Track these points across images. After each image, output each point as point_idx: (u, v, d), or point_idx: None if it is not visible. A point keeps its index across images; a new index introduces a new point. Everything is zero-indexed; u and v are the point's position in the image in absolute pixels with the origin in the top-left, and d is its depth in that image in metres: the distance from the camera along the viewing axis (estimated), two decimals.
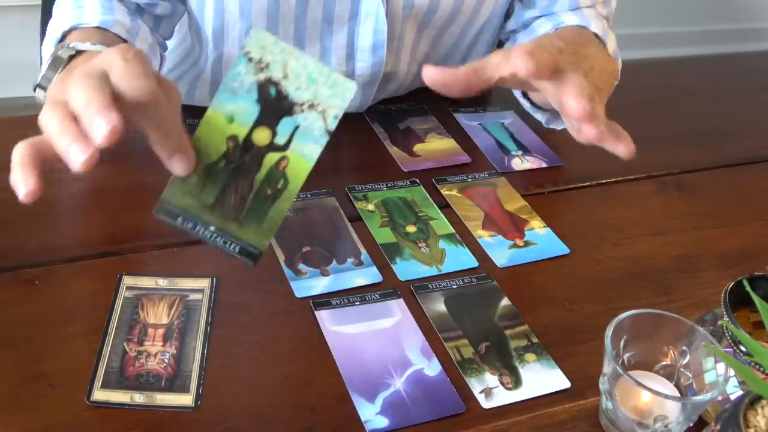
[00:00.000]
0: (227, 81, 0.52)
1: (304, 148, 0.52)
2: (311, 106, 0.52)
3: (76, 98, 0.47)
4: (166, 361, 0.61)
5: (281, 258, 0.72)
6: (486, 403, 0.61)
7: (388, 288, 0.70)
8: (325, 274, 0.71)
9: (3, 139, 0.83)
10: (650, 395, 0.54)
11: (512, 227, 0.80)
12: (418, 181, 0.85)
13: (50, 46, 0.75)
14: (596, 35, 0.85)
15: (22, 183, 0.47)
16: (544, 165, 0.90)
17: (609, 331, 0.57)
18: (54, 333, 0.63)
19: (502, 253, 0.76)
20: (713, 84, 1.16)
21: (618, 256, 0.78)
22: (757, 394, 0.48)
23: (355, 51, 0.88)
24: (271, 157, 0.53)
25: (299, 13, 0.84)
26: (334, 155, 0.88)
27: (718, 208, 0.87)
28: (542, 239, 0.79)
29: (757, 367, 0.55)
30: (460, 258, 0.75)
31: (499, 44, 1.02)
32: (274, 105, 0.52)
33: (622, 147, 0.62)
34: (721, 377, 0.55)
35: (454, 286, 0.71)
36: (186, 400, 0.59)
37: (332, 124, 0.52)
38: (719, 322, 0.61)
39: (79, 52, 0.64)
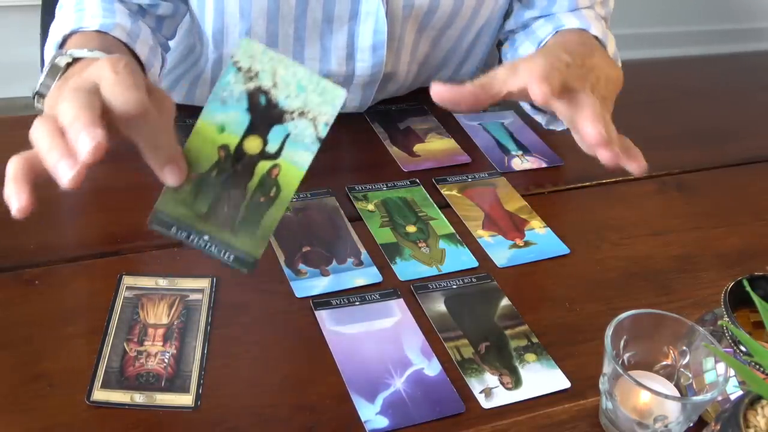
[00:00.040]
0: (217, 91, 0.52)
1: (296, 155, 0.53)
2: (301, 114, 0.52)
3: (63, 114, 0.48)
4: (166, 361, 0.61)
5: (281, 258, 0.72)
6: (486, 403, 0.61)
7: (388, 288, 0.70)
8: (325, 274, 0.71)
9: (3, 139, 0.83)
10: (650, 395, 0.54)
11: (512, 227, 0.80)
12: (418, 181, 0.85)
13: (51, 50, 0.75)
14: (597, 38, 0.85)
15: (15, 198, 0.47)
16: (544, 165, 0.90)
17: (609, 331, 0.57)
18: (54, 333, 0.63)
19: (502, 253, 0.76)
20: (713, 84, 1.16)
21: (618, 256, 0.78)
22: (757, 394, 0.48)
23: (355, 51, 0.88)
24: (263, 166, 0.53)
25: (299, 13, 0.84)
26: (334, 155, 0.88)
27: (718, 208, 0.87)
28: (542, 239, 0.79)
29: (757, 367, 0.55)
30: (460, 258, 0.75)
31: (498, 44, 1.02)
32: (265, 113, 0.52)
33: (634, 165, 0.63)
34: (721, 377, 0.55)
35: (454, 286, 0.71)
36: (186, 400, 0.59)
37: (323, 132, 0.52)
38: (719, 322, 0.61)
39: (76, 60, 0.65)
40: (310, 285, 0.70)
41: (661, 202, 0.87)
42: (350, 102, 0.95)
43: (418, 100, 1.00)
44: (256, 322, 0.66)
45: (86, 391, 0.58)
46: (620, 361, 0.59)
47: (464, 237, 0.78)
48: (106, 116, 0.49)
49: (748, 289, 0.54)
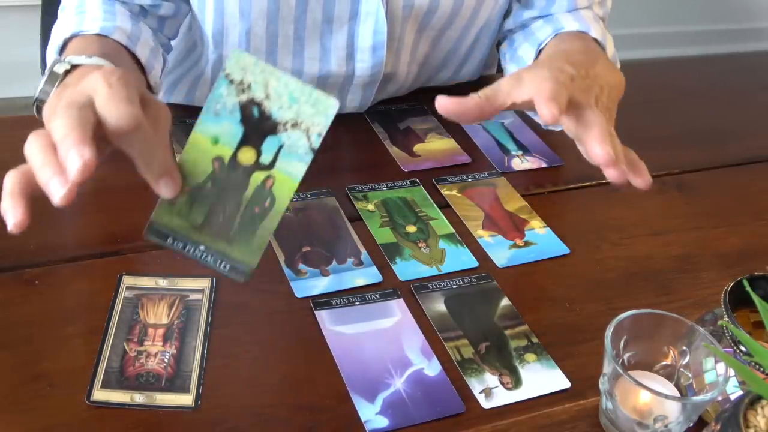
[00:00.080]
0: (210, 103, 0.52)
1: (290, 166, 0.53)
2: (294, 125, 0.53)
3: (55, 131, 0.48)
4: (166, 361, 0.61)
5: (281, 258, 0.72)
6: (486, 403, 0.61)
7: (388, 288, 0.70)
8: (325, 274, 0.71)
9: (3, 139, 0.83)
10: (650, 395, 0.54)
11: (512, 227, 0.80)
12: (418, 181, 0.85)
13: (53, 54, 0.76)
14: (596, 40, 0.85)
15: (11, 214, 0.48)
16: (544, 165, 0.90)
17: (609, 331, 0.57)
18: (54, 333, 0.63)
19: (502, 253, 0.76)
20: (712, 84, 1.16)
21: (618, 256, 0.78)
22: (757, 394, 0.48)
23: (355, 51, 0.88)
24: (257, 177, 0.53)
25: (299, 13, 0.84)
26: (334, 155, 0.88)
27: (718, 208, 0.87)
28: (542, 239, 0.79)
29: (757, 367, 0.55)
30: (460, 258, 0.75)
31: (497, 44, 1.02)
32: (258, 125, 0.53)
33: (639, 180, 0.63)
34: (721, 377, 0.55)
35: (454, 286, 0.72)
36: (186, 400, 0.59)
37: (316, 142, 0.53)
38: (719, 322, 0.61)
39: (75, 66, 0.65)
40: (310, 285, 0.70)
41: (661, 202, 0.87)
42: (350, 102, 0.95)
43: (418, 100, 1.00)
44: (256, 322, 0.66)
45: (86, 391, 0.58)
46: (620, 361, 0.59)
47: (464, 237, 0.78)
48: (100, 130, 0.49)
49: (748, 289, 0.54)
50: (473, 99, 0.63)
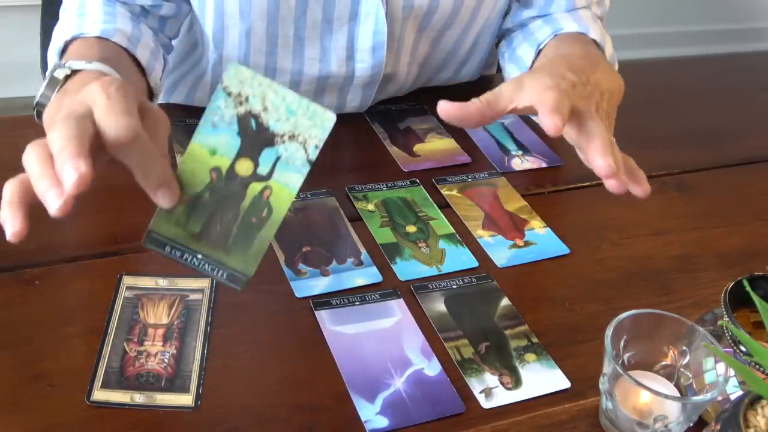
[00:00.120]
0: (207, 115, 0.53)
1: (287, 177, 0.54)
2: (292, 137, 0.53)
3: (53, 142, 0.48)
4: (166, 361, 0.61)
5: (281, 258, 0.72)
6: (486, 403, 0.61)
7: (388, 288, 0.70)
8: (325, 274, 0.71)
9: (3, 139, 0.83)
10: (650, 395, 0.54)
11: (512, 227, 0.80)
12: (418, 181, 0.85)
13: (53, 56, 0.76)
14: (595, 41, 0.85)
15: (9, 223, 0.48)
16: (544, 165, 0.91)
17: (609, 331, 0.57)
18: (54, 333, 0.63)
19: (502, 253, 0.76)
20: (711, 84, 1.16)
21: (618, 256, 0.78)
22: (757, 394, 0.48)
23: (354, 52, 0.88)
24: (255, 187, 0.54)
25: (299, 14, 0.84)
26: (334, 155, 0.88)
27: (718, 208, 0.87)
28: (542, 239, 0.79)
29: (757, 367, 0.55)
30: (460, 258, 0.75)
31: (496, 42, 1.02)
32: (255, 137, 0.53)
33: (638, 189, 0.64)
34: (721, 377, 0.55)
35: (454, 286, 0.72)
36: (186, 400, 0.59)
37: (313, 154, 0.53)
38: (719, 322, 0.61)
39: (75, 71, 0.65)
40: (310, 285, 0.70)
41: (661, 202, 0.87)
42: (350, 102, 0.95)
43: (418, 100, 1.00)
44: (256, 322, 0.66)
45: (86, 391, 0.58)
46: (620, 361, 0.59)
47: (464, 237, 0.78)
48: (98, 139, 0.49)
49: (748, 289, 0.54)
50: (474, 104, 0.64)
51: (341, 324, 0.66)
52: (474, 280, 0.73)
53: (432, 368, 0.63)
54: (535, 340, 0.67)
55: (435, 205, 0.82)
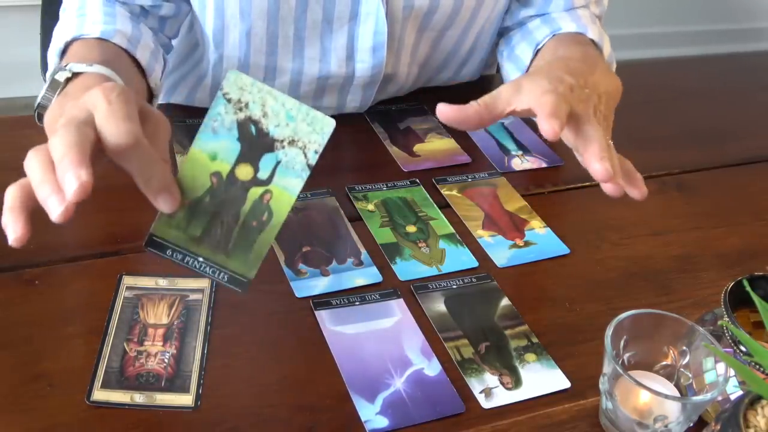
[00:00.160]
0: (208, 121, 0.53)
1: (287, 182, 0.54)
2: (291, 143, 0.54)
3: (54, 149, 0.48)
4: (166, 361, 0.61)
5: (281, 258, 0.72)
6: (486, 403, 0.61)
7: (388, 288, 0.71)
8: (325, 274, 0.71)
9: (3, 139, 0.83)
10: (650, 395, 0.54)
11: (512, 227, 0.80)
12: (418, 181, 0.85)
13: (54, 57, 0.76)
14: (594, 42, 0.85)
15: (11, 228, 0.48)
16: (544, 165, 0.91)
17: (609, 331, 0.57)
18: (54, 333, 0.63)
19: (502, 253, 0.76)
20: (711, 84, 1.16)
21: (618, 256, 0.78)
22: (757, 394, 0.48)
23: (355, 52, 0.88)
24: (255, 191, 0.54)
25: (299, 14, 0.84)
26: (334, 155, 0.87)
27: (718, 208, 0.87)
28: (542, 239, 0.79)
29: (757, 367, 0.55)
30: (460, 258, 0.75)
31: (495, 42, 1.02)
32: (255, 142, 0.54)
33: (635, 192, 0.64)
34: (721, 377, 0.55)
35: (454, 286, 0.72)
36: (186, 400, 0.59)
37: (313, 159, 0.54)
38: (719, 322, 0.61)
39: (75, 74, 0.65)
40: (310, 285, 0.70)
41: (661, 202, 0.87)
42: (350, 102, 0.95)
43: (418, 100, 1.00)
44: (256, 322, 0.66)
45: (86, 391, 0.58)
46: (620, 361, 0.59)
47: (464, 237, 0.78)
48: (99, 144, 0.50)
49: (748, 289, 0.54)
50: (473, 107, 0.65)
51: (341, 324, 0.66)
52: (474, 280, 0.73)
53: (432, 368, 0.63)
54: (535, 340, 0.67)
55: (435, 205, 0.82)
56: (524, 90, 0.65)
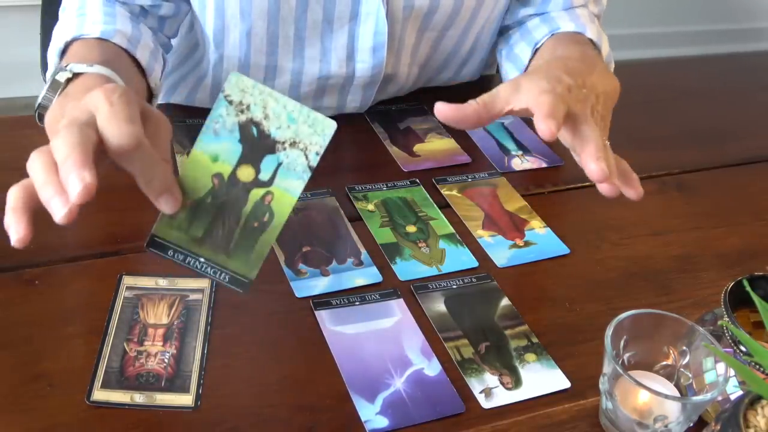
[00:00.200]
0: (209, 123, 0.54)
1: (288, 183, 0.54)
2: (293, 144, 0.54)
3: (56, 151, 0.48)
4: (166, 361, 0.61)
5: (281, 258, 0.72)
6: (486, 403, 0.61)
7: (388, 288, 0.71)
8: (325, 274, 0.71)
9: (3, 139, 0.83)
10: (650, 395, 0.54)
11: (512, 227, 0.80)
12: (418, 181, 0.85)
13: (54, 56, 0.76)
14: (592, 41, 0.86)
15: (14, 229, 0.48)
16: (544, 165, 0.91)
17: (609, 331, 0.57)
18: (54, 333, 0.63)
19: (502, 253, 0.76)
20: (711, 84, 1.16)
21: (618, 256, 0.78)
22: (757, 394, 0.48)
23: (355, 52, 0.88)
24: (256, 193, 0.54)
25: (299, 14, 0.84)
26: (334, 155, 0.87)
27: (718, 208, 0.87)
28: (542, 239, 0.79)
29: (757, 367, 0.55)
30: (460, 258, 0.75)
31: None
32: (257, 144, 0.54)
33: (631, 192, 0.65)
34: (721, 377, 0.55)
35: (454, 286, 0.72)
36: (186, 400, 0.59)
37: (314, 161, 0.54)
38: (719, 322, 0.61)
39: (76, 74, 0.65)
40: (310, 285, 0.70)
41: (661, 202, 0.87)
42: (350, 103, 0.95)
43: (418, 100, 1.00)
44: (256, 322, 0.66)
45: (86, 391, 0.58)
46: (620, 361, 0.59)
47: (464, 237, 0.78)
48: (101, 144, 0.50)
49: (748, 289, 0.54)
50: (471, 106, 0.65)
51: (341, 324, 0.66)
52: (474, 280, 0.73)
53: (432, 368, 0.63)
54: (535, 340, 0.67)
55: (435, 205, 0.82)
56: (523, 89, 0.65)
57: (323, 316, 0.67)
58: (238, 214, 0.54)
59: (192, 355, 0.62)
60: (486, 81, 1.08)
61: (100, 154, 0.50)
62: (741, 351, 0.57)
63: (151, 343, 0.63)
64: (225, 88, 0.53)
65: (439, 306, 0.69)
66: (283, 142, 0.54)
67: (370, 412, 0.59)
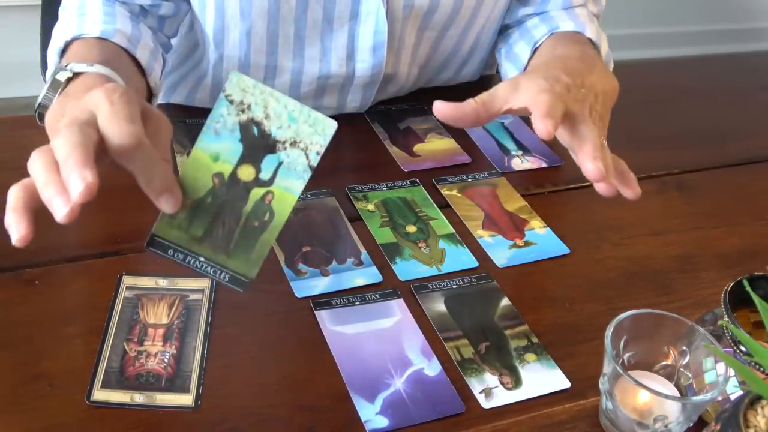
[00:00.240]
0: (210, 122, 0.54)
1: (288, 183, 0.54)
2: (293, 144, 0.54)
3: (57, 150, 0.48)
4: (166, 361, 0.61)
5: (281, 258, 0.72)
6: (486, 403, 0.61)
7: (388, 288, 0.70)
8: (325, 274, 0.71)
9: (3, 139, 0.83)
10: (650, 395, 0.54)
11: (512, 227, 0.80)
12: (418, 181, 0.85)
13: (54, 56, 0.76)
14: (591, 41, 0.86)
15: (14, 229, 0.48)
16: (544, 165, 0.91)
17: (609, 331, 0.57)
18: (54, 333, 0.63)
19: (502, 253, 0.76)
20: (711, 84, 1.16)
21: (618, 256, 0.78)
22: (757, 394, 0.48)
23: (355, 51, 0.88)
24: (257, 192, 0.54)
25: (299, 13, 0.84)
26: (334, 155, 0.87)
27: (718, 208, 0.87)
28: (542, 239, 0.79)
29: (757, 367, 0.55)
30: (460, 258, 0.75)
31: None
32: (257, 143, 0.54)
33: (629, 192, 0.65)
34: (721, 377, 0.55)
35: (454, 286, 0.72)
36: (186, 400, 0.59)
37: (314, 160, 0.54)
38: (719, 322, 0.61)
39: (76, 74, 0.65)
40: (310, 285, 0.70)
41: (661, 202, 0.87)
42: (350, 102, 0.95)
43: (418, 100, 1.00)
44: (256, 322, 0.66)
45: (86, 391, 0.58)
46: (620, 361, 0.59)
47: (464, 237, 0.78)
48: (101, 144, 0.50)
49: (748, 289, 0.54)
50: (470, 104, 0.65)
51: (341, 324, 0.66)
52: (474, 280, 0.73)
53: (432, 368, 0.63)
54: (535, 340, 0.67)
55: (435, 205, 0.82)
56: (521, 88, 0.65)
57: (323, 316, 0.67)
58: (238, 214, 0.54)
59: (192, 355, 0.62)
60: (486, 81, 1.08)
61: (100, 153, 0.50)
62: (741, 351, 0.57)
63: (151, 343, 0.63)
64: (226, 88, 0.53)
65: (439, 306, 0.69)
66: (284, 142, 0.54)
67: (370, 412, 0.59)
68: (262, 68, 0.90)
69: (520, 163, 0.90)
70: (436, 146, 0.91)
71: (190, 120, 0.89)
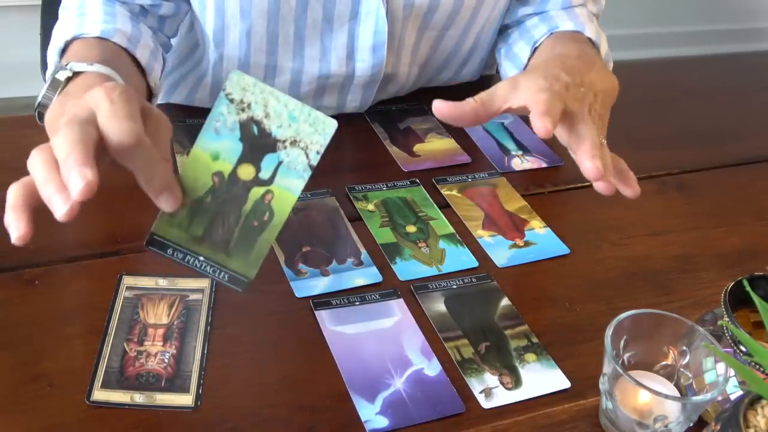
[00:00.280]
0: (210, 121, 0.54)
1: (288, 182, 0.54)
2: (293, 143, 0.54)
3: (57, 148, 0.49)
4: (166, 361, 0.61)
5: (281, 258, 0.72)
6: (486, 403, 0.61)
7: (388, 288, 0.70)
8: (325, 274, 0.71)
9: (3, 139, 0.83)
10: (650, 395, 0.54)
11: (512, 227, 0.80)
12: (418, 181, 0.85)
13: (54, 55, 0.76)
14: (591, 40, 0.86)
15: (14, 227, 0.48)
16: (544, 165, 0.91)
17: (609, 331, 0.57)
18: (54, 333, 0.63)
19: (502, 253, 0.76)
20: (711, 84, 1.16)
21: (618, 256, 0.78)
22: (757, 394, 0.48)
23: (355, 51, 0.88)
24: (257, 191, 0.54)
25: (299, 13, 0.84)
26: (334, 155, 0.87)
27: (718, 208, 0.87)
28: (542, 239, 0.79)
29: (757, 367, 0.55)
30: (460, 258, 0.75)
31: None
32: (257, 142, 0.54)
33: (628, 191, 0.66)
34: (721, 377, 0.55)
35: (454, 286, 0.72)
36: (186, 400, 0.59)
37: (314, 160, 0.54)
38: (719, 322, 0.61)
39: (76, 73, 0.65)
40: (310, 285, 0.70)
41: (661, 202, 0.87)
42: (350, 102, 0.95)
43: (418, 100, 1.00)
44: (256, 322, 0.66)
45: (86, 391, 0.58)
46: (620, 361, 0.59)
47: (464, 237, 0.78)
48: (101, 142, 0.50)
49: (748, 289, 0.54)
50: (469, 103, 0.65)
51: (341, 324, 0.66)
52: (474, 280, 0.73)
53: (432, 368, 0.63)
54: (535, 340, 0.67)
55: (435, 205, 0.82)
56: (521, 87, 0.65)
57: (323, 316, 0.67)
58: (238, 213, 0.54)
59: (192, 355, 0.62)
60: (486, 81, 1.08)
61: (100, 151, 0.50)
62: (741, 351, 0.57)
63: (151, 343, 0.63)
64: (226, 87, 0.53)
65: (439, 306, 0.69)
66: (284, 141, 0.54)
67: (370, 412, 0.59)
68: (262, 68, 0.90)
69: (520, 163, 0.90)
70: (436, 146, 0.91)
71: (190, 120, 0.89)
